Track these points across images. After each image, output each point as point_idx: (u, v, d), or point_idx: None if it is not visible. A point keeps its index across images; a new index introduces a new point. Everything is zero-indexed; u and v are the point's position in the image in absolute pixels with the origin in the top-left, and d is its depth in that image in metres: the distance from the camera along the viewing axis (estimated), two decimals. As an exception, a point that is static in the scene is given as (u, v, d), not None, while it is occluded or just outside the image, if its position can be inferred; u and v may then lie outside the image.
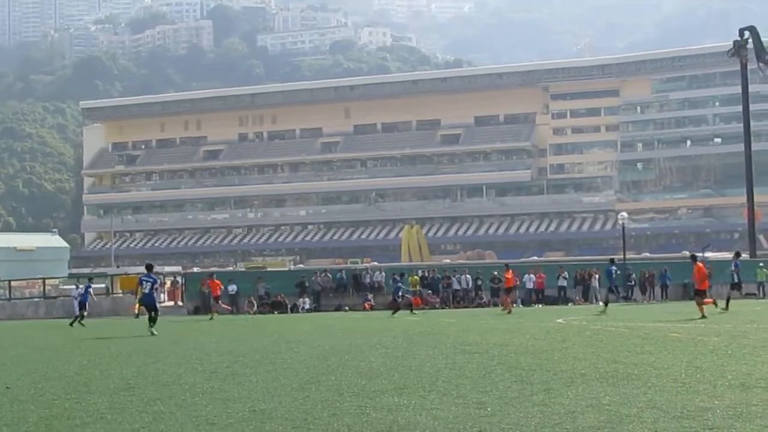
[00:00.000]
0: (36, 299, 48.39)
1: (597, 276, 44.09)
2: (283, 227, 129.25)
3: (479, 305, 42.50)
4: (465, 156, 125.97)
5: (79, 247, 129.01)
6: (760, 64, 61.75)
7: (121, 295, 45.80)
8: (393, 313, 33.29)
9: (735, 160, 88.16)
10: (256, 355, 15.82)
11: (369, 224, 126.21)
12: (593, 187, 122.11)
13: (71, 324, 30.99)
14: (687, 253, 66.27)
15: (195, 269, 74.06)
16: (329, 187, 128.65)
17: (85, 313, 31.77)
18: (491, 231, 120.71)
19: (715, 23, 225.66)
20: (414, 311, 35.08)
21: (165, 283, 49.07)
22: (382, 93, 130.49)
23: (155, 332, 22.90)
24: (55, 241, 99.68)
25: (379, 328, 24.04)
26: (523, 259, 75.74)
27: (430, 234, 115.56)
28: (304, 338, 20.22)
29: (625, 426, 7.92)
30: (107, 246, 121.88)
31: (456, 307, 42.16)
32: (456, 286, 44.36)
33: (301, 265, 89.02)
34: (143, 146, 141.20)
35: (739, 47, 59.81)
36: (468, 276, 45.14)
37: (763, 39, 61.87)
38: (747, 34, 60.17)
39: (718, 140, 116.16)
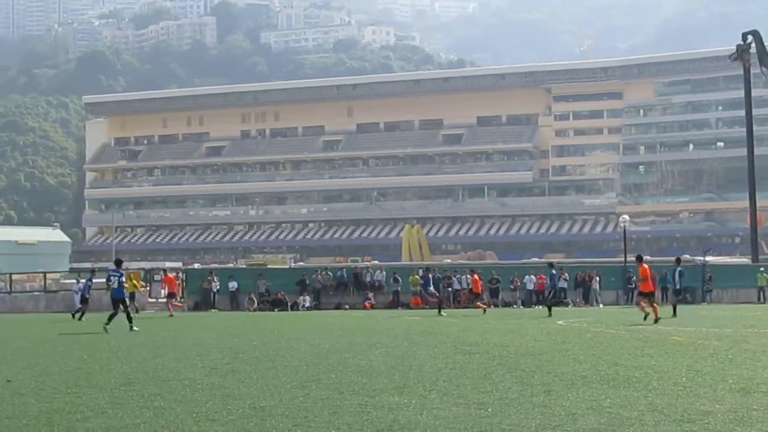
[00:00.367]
0: (36, 293, 48.40)
1: (597, 278, 44.14)
2: (284, 225, 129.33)
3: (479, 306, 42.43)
4: (467, 156, 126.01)
5: (80, 242, 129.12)
6: (763, 69, 61.68)
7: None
8: (439, 312, 32.66)
9: (737, 164, 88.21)
10: (257, 352, 15.83)
11: (370, 223, 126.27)
12: (595, 189, 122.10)
13: (75, 316, 30.98)
14: (688, 257, 66.34)
15: (196, 265, 73.95)
16: (331, 185, 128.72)
17: (85, 308, 31.59)
18: (492, 231, 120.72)
19: (716, 25, 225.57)
20: (442, 312, 34.53)
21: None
22: (384, 92, 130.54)
23: (136, 328, 22.89)
24: (56, 235, 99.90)
25: (379, 327, 24.05)
26: (524, 260, 75.61)
27: (431, 234, 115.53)
28: (304, 336, 20.23)
29: (626, 429, 7.92)
30: (108, 241, 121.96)
31: (456, 308, 42.14)
32: (456, 286, 44.34)
33: (302, 263, 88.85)
34: (145, 142, 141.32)
35: (741, 51, 59.77)
36: (468, 276, 45.09)
37: (766, 43, 61.78)
38: (750, 38, 60.13)
39: (720, 144, 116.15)
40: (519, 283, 44.33)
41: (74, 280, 40.94)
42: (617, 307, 40.17)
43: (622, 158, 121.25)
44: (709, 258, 60.40)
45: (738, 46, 60.32)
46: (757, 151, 62.54)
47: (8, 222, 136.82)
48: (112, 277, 23.89)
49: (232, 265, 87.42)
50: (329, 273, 46.11)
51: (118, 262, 24.91)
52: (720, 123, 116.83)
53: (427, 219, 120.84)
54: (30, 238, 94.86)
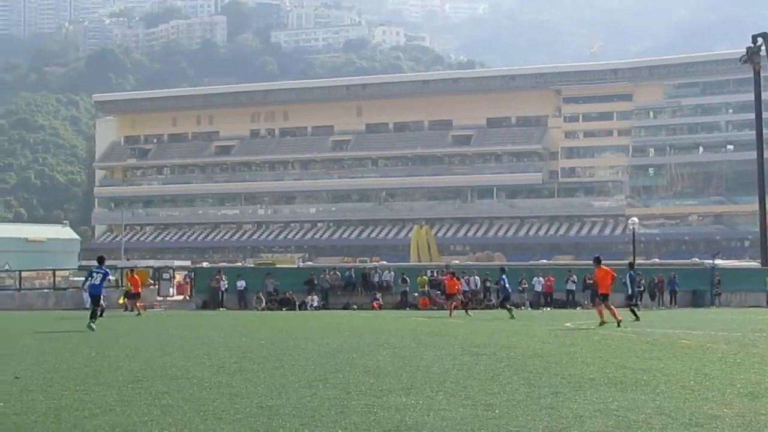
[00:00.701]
0: (46, 290, 48.54)
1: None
2: (292, 224, 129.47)
3: (487, 306, 42.44)
4: (476, 157, 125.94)
5: (90, 240, 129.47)
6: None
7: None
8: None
9: (747, 167, 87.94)
10: (264, 351, 15.84)
11: (378, 223, 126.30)
12: (604, 191, 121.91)
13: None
14: (697, 260, 66.13)
15: (204, 264, 74.15)
16: (339, 185, 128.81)
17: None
18: (501, 233, 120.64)
19: (727, 28, 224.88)
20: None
21: (175, 277, 49.30)
22: (394, 92, 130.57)
23: (94, 327, 21.87)
24: (65, 232, 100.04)
25: (387, 327, 24.04)
26: (531, 262, 75.56)
27: (440, 234, 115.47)
28: (312, 336, 20.23)
29: None
30: (117, 239, 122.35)
31: (464, 309, 42.07)
32: (465, 287, 44.25)
33: (310, 263, 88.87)
34: (155, 140, 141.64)
35: (752, 54, 59.57)
36: (477, 277, 45.10)
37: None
38: (760, 40, 59.92)
39: (730, 147, 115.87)
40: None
41: (83, 278, 40.94)
42: (624, 310, 40.01)
43: (632, 160, 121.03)
44: (718, 261, 60.27)
45: (748, 48, 60.12)
46: (766, 154, 62.27)
47: (18, 219, 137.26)
48: (94, 273, 23.82)
49: (240, 264, 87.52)
50: (337, 273, 46.14)
51: (101, 259, 25.11)
52: (730, 126, 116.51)
53: (436, 220, 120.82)
54: (39, 235, 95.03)
